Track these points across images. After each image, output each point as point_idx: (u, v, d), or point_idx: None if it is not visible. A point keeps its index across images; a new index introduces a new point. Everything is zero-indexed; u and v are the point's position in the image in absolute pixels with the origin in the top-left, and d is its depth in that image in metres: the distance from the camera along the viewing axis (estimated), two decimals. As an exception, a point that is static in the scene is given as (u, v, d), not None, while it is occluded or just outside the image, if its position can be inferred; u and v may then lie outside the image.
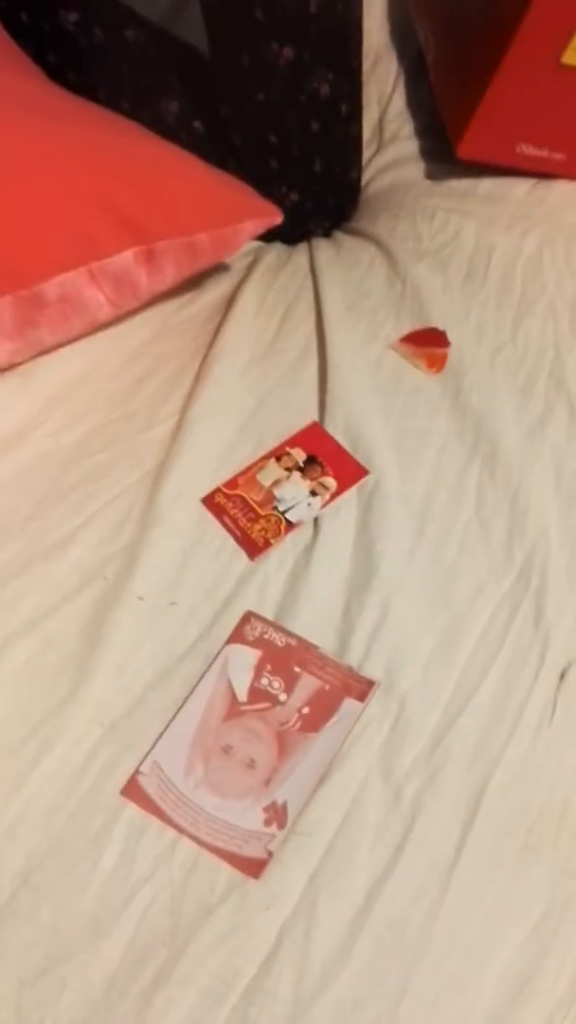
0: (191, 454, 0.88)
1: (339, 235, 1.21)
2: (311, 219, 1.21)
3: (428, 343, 1.00)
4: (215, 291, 1.08)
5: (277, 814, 0.68)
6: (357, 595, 0.80)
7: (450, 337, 1.01)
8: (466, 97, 1.16)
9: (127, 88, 1.07)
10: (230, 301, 1.05)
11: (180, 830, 0.67)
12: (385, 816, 0.68)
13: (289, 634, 0.77)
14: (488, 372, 0.98)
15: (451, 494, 0.87)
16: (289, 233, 1.18)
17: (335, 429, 0.92)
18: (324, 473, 0.89)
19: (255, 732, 0.72)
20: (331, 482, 0.88)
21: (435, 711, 0.74)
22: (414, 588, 0.80)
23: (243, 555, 0.83)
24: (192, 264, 0.96)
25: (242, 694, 0.74)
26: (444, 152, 1.20)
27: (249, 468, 0.89)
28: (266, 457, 0.90)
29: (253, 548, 0.83)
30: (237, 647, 0.77)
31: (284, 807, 0.69)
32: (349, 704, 0.74)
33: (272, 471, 0.89)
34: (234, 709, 0.73)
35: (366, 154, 1.28)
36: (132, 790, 0.69)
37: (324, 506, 0.86)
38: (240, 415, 0.93)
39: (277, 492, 0.87)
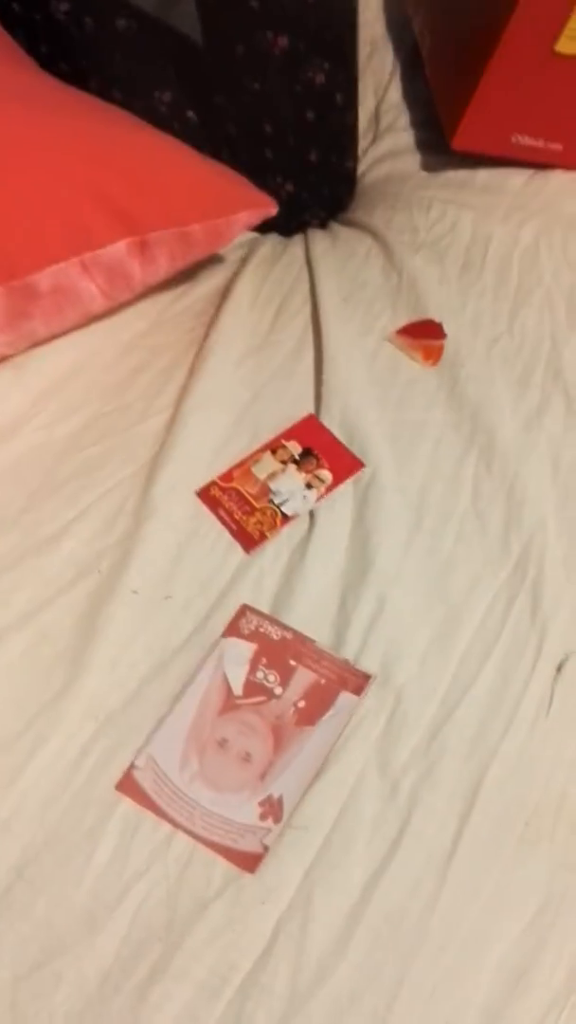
0: (186, 447, 0.87)
1: (335, 226, 1.20)
2: (307, 210, 1.20)
3: (424, 335, 1.00)
4: (210, 283, 1.07)
5: (273, 808, 0.68)
6: (353, 588, 0.80)
7: (446, 328, 1.00)
8: (460, 88, 1.15)
9: (119, 78, 1.06)
10: (225, 293, 1.04)
11: (175, 824, 0.67)
12: (382, 809, 0.68)
13: (285, 627, 0.77)
14: (484, 363, 0.97)
15: (447, 486, 0.87)
16: (284, 224, 1.17)
17: (331, 421, 0.92)
18: (320, 466, 0.88)
19: (251, 726, 0.72)
20: (327, 475, 0.87)
21: (432, 704, 0.73)
22: (410, 580, 0.80)
23: (238, 548, 0.82)
24: (186, 255, 0.95)
25: (237, 688, 0.74)
26: (441, 143, 1.20)
27: (244, 461, 0.89)
28: (261, 450, 0.90)
29: (248, 541, 0.82)
30: (232, 640, 0.76)
31: (280, 801, 0.68)
32: (345, 697, 0.73)
33: (267, 464, 0.88)
34: (229, 703, 0.73)
35: (362, 144, 1.28)
36: (127, 784, 0.68)
37: (320, 499, 0.86)
38: (235, 407, 0.93)
39: (273, 485, 0.87)
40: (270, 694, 0.74)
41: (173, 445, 0.87)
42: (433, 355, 0.98)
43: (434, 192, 1.18)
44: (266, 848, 0.66)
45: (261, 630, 0.77)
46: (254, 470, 0.88)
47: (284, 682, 0.75)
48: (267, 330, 1.01)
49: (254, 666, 0.75)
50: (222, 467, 0.88)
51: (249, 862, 0.65)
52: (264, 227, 1.12)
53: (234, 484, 0.87)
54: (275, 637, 0.76)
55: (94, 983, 0.61)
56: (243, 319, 1.01)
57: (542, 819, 0.69)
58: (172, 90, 1.08)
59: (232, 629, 0.77)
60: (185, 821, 0.67)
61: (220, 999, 0.60)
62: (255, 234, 1.17)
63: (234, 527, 0.83)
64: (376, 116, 1.33)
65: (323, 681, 0.74)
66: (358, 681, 0.74)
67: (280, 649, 0.76)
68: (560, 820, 0.69)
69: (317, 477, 0.87)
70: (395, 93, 1.34)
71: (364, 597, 0.79)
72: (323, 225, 1.22)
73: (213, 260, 1.09)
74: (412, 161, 1.25)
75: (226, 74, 1.06)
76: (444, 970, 0.62)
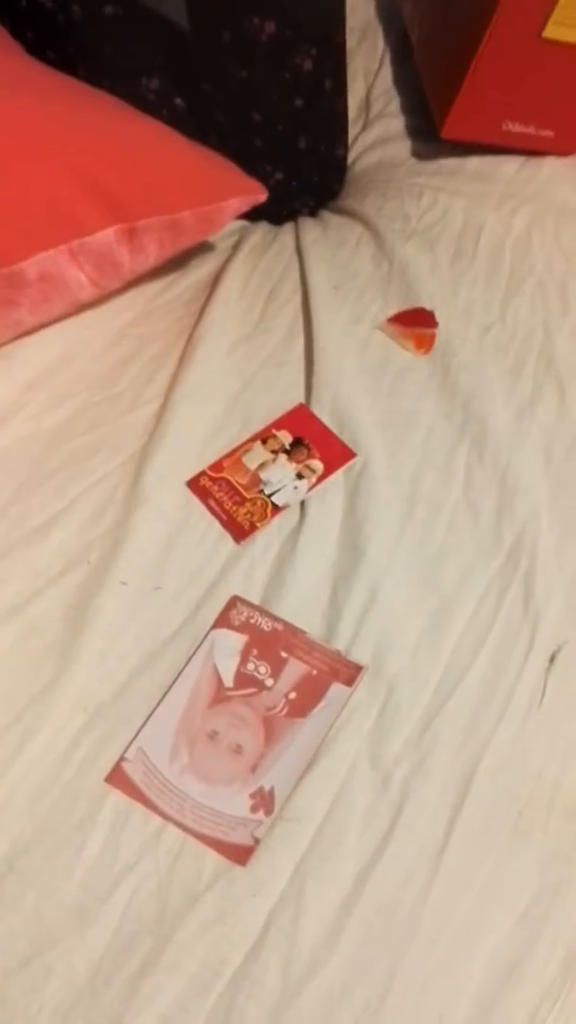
0: (176, 436, 0.87)
1: (325, 214, 1.19)
2: (297, 198, 1.19)
3: (416, 323, 0.99)
4: (200, 271, 1.07)
5: (264, 800, 0.68)
6: (344, 579, 0.79)
7: (438, 317, 1.00)
8: (450, 76, 1.14)
9: (107, 65, 1.05)
10: (215, 281, 1.04)
11: (166, 817, 0.66)
12: (373, 801, 0.68)
13: (275, 619, 0.77)
14: (477, 352, 0.97)
15: (439, 476, 0.86)
16: (274, 212, 1.16)
17: (322, 411, 0.91)
18: (311, 455, 0.88)
19: (241, 718, 0.72)
20: (318, 464, 0.87)
21: (424, 695, 0.73)
22: (402, 571, 0.80)
23: (229, 539, 0.82)
24: (175, 242, 0.94)
25: (228, 679, 0.73)
26: (432, 129, 1.19)
27: (235, 451, 0.88)
28: (252, 439, 0.89)
29: (239, 532, 0.82)
30: (223, 632, 0.76)
31: (271, 793, 0.68)
32: (337, 689, 0.73)
33: (258, 454, 0.88)
34: (220, 694, 0.73)
35: (352, 131, 1.27)
36: (117, 777, 0.68)
37: (311, 489, 0.85)
38: (225, 397, 0.92)
39: (263, 475, 0.86)
40: (261, 686, 0.74)
41: (163, 435, 0.87)
42: (425, 344, 0.97)
43: (425, 179, 1.18)
44: (257, 840, 0.66)
45: (252, 621, 0.76)
46: (244, 460, 0.87)
47: (275, 674, 0.74)
48: (257, 319, 1.00)
49: (245, 657, 0.75)
50: (212, 457, 0.87)
51: (240, 855, 0.65)
52: (254, 215, 1.11)
53: (224, 474, 0.86)
54: (266, 628, 0.76)
55: (84, 976, 0.60)
56: (233, 308, 1.00)
57: (535, 810, 0.68)
58: (160, 78, 1.07)
59: (223, 620, 0.76)
60: (175, 813, 0.67)
61: (211, 992, 0.60)
62: (245, 222, 1.16)
63: (224, 517, 0.83)
64: (366, 103, 1.32)
65: (314, 672, 0.74)
66: (350, 672, 0.74)
67: (271, 640, 0.76)
68: (553, 811, 0.68)
69: (308, 467, 0.86)
70: (386, 79, 1.33)
71: (355, 588, 0.78)
72: (313, 213, 1.21)
73: (203, 248, 1.09)
74: (403, 148, 1.24)
75: (213, 61, 1.05)
76: (436, 962, 0.62)
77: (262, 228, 1.16)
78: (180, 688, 0.72)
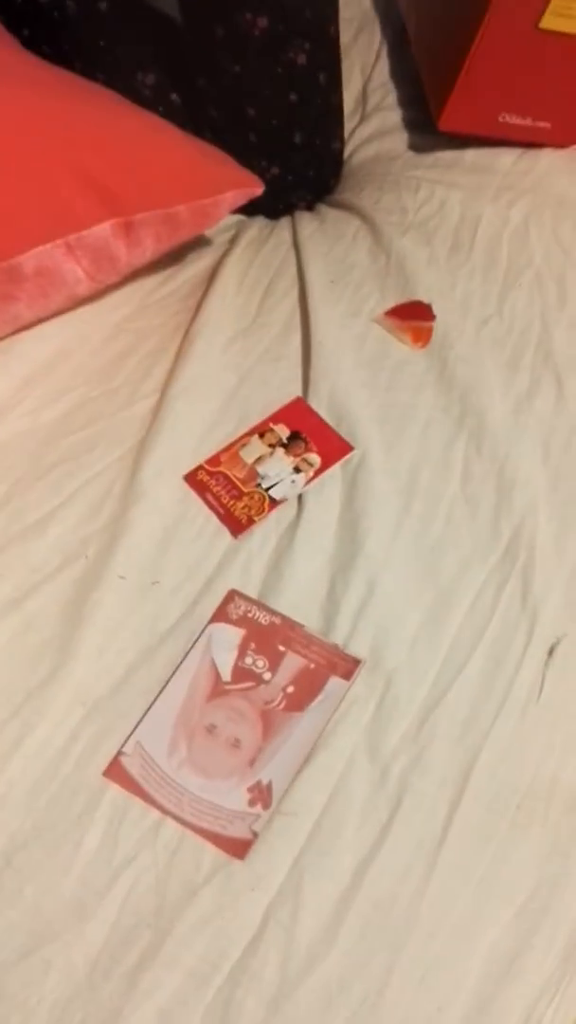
0: (173, 431, 0.87)
1: (322, 208, 1.19)
2: (293, 192, 1.19)
3: (413, 316, 0.99)
4: (196, 266, 1.06)
5: (262, 794, 0.68)
6: (342, 572, 0.79)
7: (435, 310, 0.99)
8: (446, 69, 1.14)
9: (102, 60, 1.04)
10: (212, 276, 1.03)
11: (164, 811, 0.66)
12: (371, 795, 0.68)
13: (273, 612, 0.76)
14: (474, 345, 0.96)
15: (437, 469, 0.86)
16: (271, 207, 1.16)
17: (319, 405, 0.91)
18: (308, 449, 0.87)
19: (239, 711, 0.72)
20: (315, 458, 0.87)
21: (422, 689, 0.73)
22: (400, 565, 0.80)
23: (226, 533, 0.82)
24: (172, 236, 0.94)
25: (226, 673, 0.73)
26: (429, 122, 1.18)
27: (232, 445, 0.88)
28: (249, 433, 0.89)
29: (236, 526, 0.82)
30: (220, 626, 0.76)
31: (269, 787, 0.68)
32: (334, 683, 0.73)
33: (255, 448, 0.88)
34: (218, 688, 0.73)
35: (349, 125, 1.26)
36: (115, 771, 0.68)
37: (308, 483, 0.85)
38: (222, 391, 0.92)
39: (260, 469, 0.86)
40: (259, 679, 0.73)
41: (160, 429, 0.86)
42: (422, 337, 0.97)
43: (422, 172, 1.17)
44: (255, 834, 0.66)
45: (249, 615, 0.76)
46: (242, 454, 0.87)
47: (273, 667, 0.74)
48: (254, 313, 1.00)
49: (243, 651, 0.75)
50: (209, 451, 0.87)
51: (238, 848, 0.65)
52: (250, 210, 1.11)
53: (221, 468, 0.86)
54: (264, 622, 0.76)
55: (83, 970, 0.60)
56: (230, 302, 1.00)
57: (534, 803, 0.68)
58: (155, 73, 1.06)
59: (220, 614, 0.76)
60: (174, 807, 0.67)
61: (210, 986, 0.60)
62: (242, 217, 1.16)
63: (222, 511, 0.83)
64: (363, 96, 1.32)
65: (312, 666, 0.74)
66: (348, 666, 0.74)
67: (269, 634, 0.75)
68: (552, 804, 0.68)
69: (305, 461, 0.86)
70: (382, 72, 1.33)
71: (353, 581, 0.78)
72: (310, 207, 1.21)
73: (200, 243, 1.08)
74: (400, 141, 1.24)
75: (206, 56, 1.04)
76: (435, 956, 0.62)
77: (259, 223, 1.16)
78: (178, 682, 0.72)
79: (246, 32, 1.01)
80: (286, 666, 0.74)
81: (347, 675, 0.73)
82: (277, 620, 0.76)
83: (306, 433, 0.89)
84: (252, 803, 0.67)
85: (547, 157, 1.17)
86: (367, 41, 1.37)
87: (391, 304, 1.00)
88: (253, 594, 0.78)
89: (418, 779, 0.68)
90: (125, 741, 0.69)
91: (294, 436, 0.88)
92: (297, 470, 0.86)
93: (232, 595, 0.77)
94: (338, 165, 1.23)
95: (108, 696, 0.71)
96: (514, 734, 0.71)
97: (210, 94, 1.07)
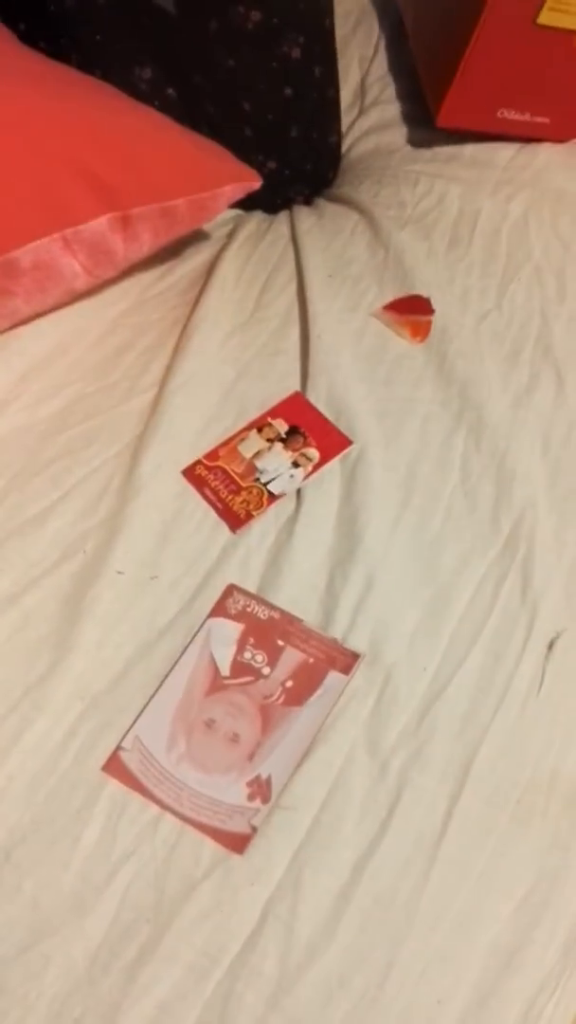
0: (171, 426, 0.86)
1: (321, 202, 1.19)
2: (291, 186, 1.18)
3: (412, 311, 0.99)
4: (194, 260, 1.06)
5: (261, 789, 0.68)
6: (341, 567, 0.79)
7: (434, 304, 0.99)
8: (444, 64, 1.13)
9: (99, 55, 1.04)
10: (210, 270, 1.03)
11: (163, 806, 0.66)
12: (371, 789, 0.68)
13: (272, 607, 0.76)
14: (473, 340, 0.96)
15: (436, 464, 0.86)
16: (269, 201, 1.16)
17: (317, 399, 0.91)
18: (307, 444, 0.87)
19: (238, 706, 0.71)
20: (314, 453, 0.86)
21: (421, 683, 0.73)
22: (399, 559, 0.79)
23: (225, 528, 0.81)
24: (169, 230, 0.94)
25: (225, 668, 0.73)
26: (427, 116, 1.18)
27: (230, 439, 0.88)
28: (247, 428, 0.89)
29: (235, 520, 0.82)
30: (219, 620, 0.75)
31: (268, 781, 0.68)
32: (334, 677, 0.73)
33: (254, 442, 0.87)
34: (217, 683, 0.72)
35: (347, 118, 1.26)
36: (114, 766, 0.68)
37: (307, 477, 0.85)
38: (221, 386, 0.92)
39: (259, 463, 0.86)
40: (258, 674, 0.73)
41: (158, 424, 0.86)
42: (421, 331, 0.97)
43: (421, 166, 1.17)
44: (254, 829, 0.66)
45: (248, 610, 0.76)
46: (240, 449, 0.87)
47: (272, 662, 0.74)
48: (252, 308, 1.00)
49: (241, 646, 0.74)
50: (207, 446, 0.87)
51: (237, 843, 0.65)
52: (248, 204, 1.10)
53: (220, 463, 0.86)
54: (262, 617, 0.76)
55: (82, 965, 0.60)
56: (228, 297, 0.99)
57: (534, 798, 0.68)
58: (152, 67, 1.06)
59: (219, 609, 0.76)
60: (173, 802, 0.66)
61: (209, 980, 0.60)
62: (239, 211, 1.15)
63: (220, 506, 0.82)
64: (361, 89, 1.31)
65: (311, 661, 0.74)
66: (347, 660, 0.74)
67: (268, 629, 0.75)
68: (552, 798, 0.68)
69: (304, 455, 0.86)
70: (381, 65, 1.32)
71: (352, 576, 0.78)
72: (308, 201, 1.21)
73: (198, 238, 1.08)
74: (398, 135, 1.24)
75: (201, 51, 1.04)
76: (435, 951, 0.62)
77: (257, 217, 1.15)
78: (177, 677, 0.72)
79: (240, 25, 1.01)
80: (285, 660, 0.74)
81: (346, 669, 0.73)
82: (276, 614, 0.76)
83: (305, 427, 0.88)
84: (251, 798, 0.67)
85: (546, 151, 1.17)
86: (365, 34, 1.36)
87: (390, 298, 1.00)
88: (252, 589, 0.78)
89: (418, 773, 0.68)
90: (124, 736, 0.69)
91: (293, 430, 0.88)
92: (296, 464, 0.86)
93: (231, 590, 0.77)
94: (336, 159, 1.23)
95: (107, 691, 0.71)
96: (514, 728, 0.71)
97: (206, 88, 1.07)
